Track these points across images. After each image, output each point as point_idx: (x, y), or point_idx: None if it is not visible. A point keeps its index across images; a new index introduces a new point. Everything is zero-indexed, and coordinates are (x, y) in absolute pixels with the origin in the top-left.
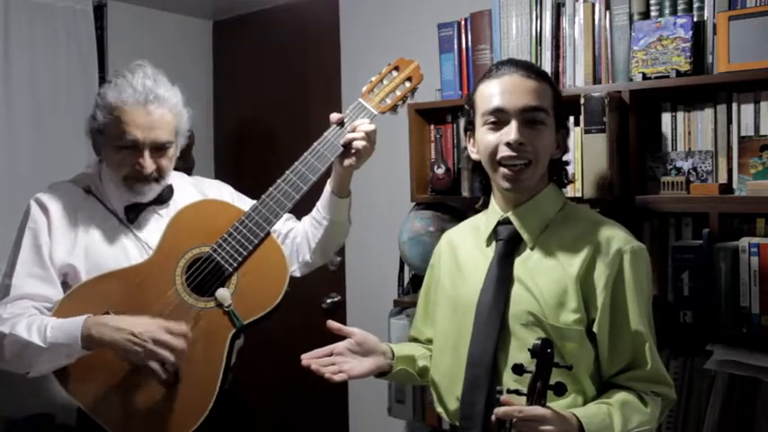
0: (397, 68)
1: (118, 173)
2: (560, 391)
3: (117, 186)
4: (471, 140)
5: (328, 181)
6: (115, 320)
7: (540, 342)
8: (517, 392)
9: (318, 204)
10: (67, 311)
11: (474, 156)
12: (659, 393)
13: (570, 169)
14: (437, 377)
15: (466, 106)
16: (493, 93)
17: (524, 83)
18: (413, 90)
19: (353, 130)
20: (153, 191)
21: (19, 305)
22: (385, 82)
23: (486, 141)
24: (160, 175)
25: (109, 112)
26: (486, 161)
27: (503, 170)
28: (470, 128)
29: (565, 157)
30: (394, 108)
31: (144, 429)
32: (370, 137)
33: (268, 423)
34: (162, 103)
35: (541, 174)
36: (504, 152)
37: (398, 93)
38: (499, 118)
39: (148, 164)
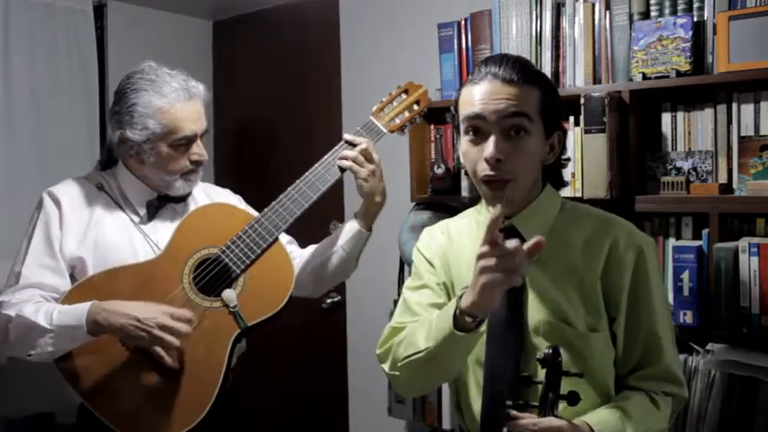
0: (406, 91)
1: (178, 170)
2: (573, 400)
3: (165, 184)
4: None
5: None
6: (121, 306)
7: (550, 351)
8: (527, 405)
9: (336, 231)
10: (74, 302)
11: (463, 162)
12: (670, 393)
13: (570, 169)
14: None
15: (452, 109)
16: (472, 99)
17: (504, 89)
18: (420, 113)
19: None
20: (200, 177)
21: (27, 293)
22: (395, 103)
23: (467, 156)
24: None
25: (162, 117)
26: (471, 175)
27: (485, 188)
28: (458, 132)
29: (564, 157)
30: (402, 128)
31: (145, 424)
32: (364, 155)
33: (268, 423)
34: (198, 95)
35: (531, 183)
36: (483, 171)
37: (407, 114)
38: (478, 126)
39: (204, 151)
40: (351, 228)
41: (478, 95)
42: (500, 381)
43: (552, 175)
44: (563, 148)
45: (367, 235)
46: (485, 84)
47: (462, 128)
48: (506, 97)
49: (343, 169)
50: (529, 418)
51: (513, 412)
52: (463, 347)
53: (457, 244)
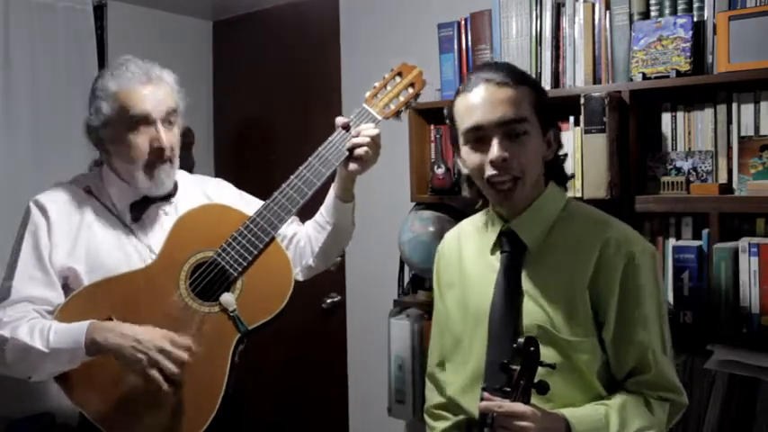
0: (400, 74)
1: (137, 158)
2: (542, 389)
3: (132, 179)
4: (459, 154)
5: (332, 186)
6: (120, 327)
7: (523, 341)
8: (501, 390)
9: (322, 209)
10: (70, 315)
11: (464, 170)
12: (667, 399)
13: (569, 169)
14: (451, 393)
15: (447, 121)
16: (469, 109)
17: (498, 93)
18: (415, 96)
19: (358, 135)
20: (170, 176)
21: (19, 308)
22: (388, 87)
23: (471, 162)
24: (173, 153)
25: (114, 99)
26: (477, 180)
27: (492, 191)
28: (456, 143)
29: (561, 152)
30: (397, 114)
31: None
32: (375, 141)
33: (268, 423)
34: (160, 80)
35: (535, 180)
36: (489, 171)
37: (401, 98)
38: (479, 136)
39: (165, 137)
40: (337, 205)
41: (476, 103)
42: (496, 377)
43: (554, 171)
44: (559, 144)
45: (353, 203)
46: (479, 90)
47: (463, 139)
48: (503, 101)
49: (350, 155)
50: (498, 401)
51: (486, 394)
52: None
53: (463, 238)
